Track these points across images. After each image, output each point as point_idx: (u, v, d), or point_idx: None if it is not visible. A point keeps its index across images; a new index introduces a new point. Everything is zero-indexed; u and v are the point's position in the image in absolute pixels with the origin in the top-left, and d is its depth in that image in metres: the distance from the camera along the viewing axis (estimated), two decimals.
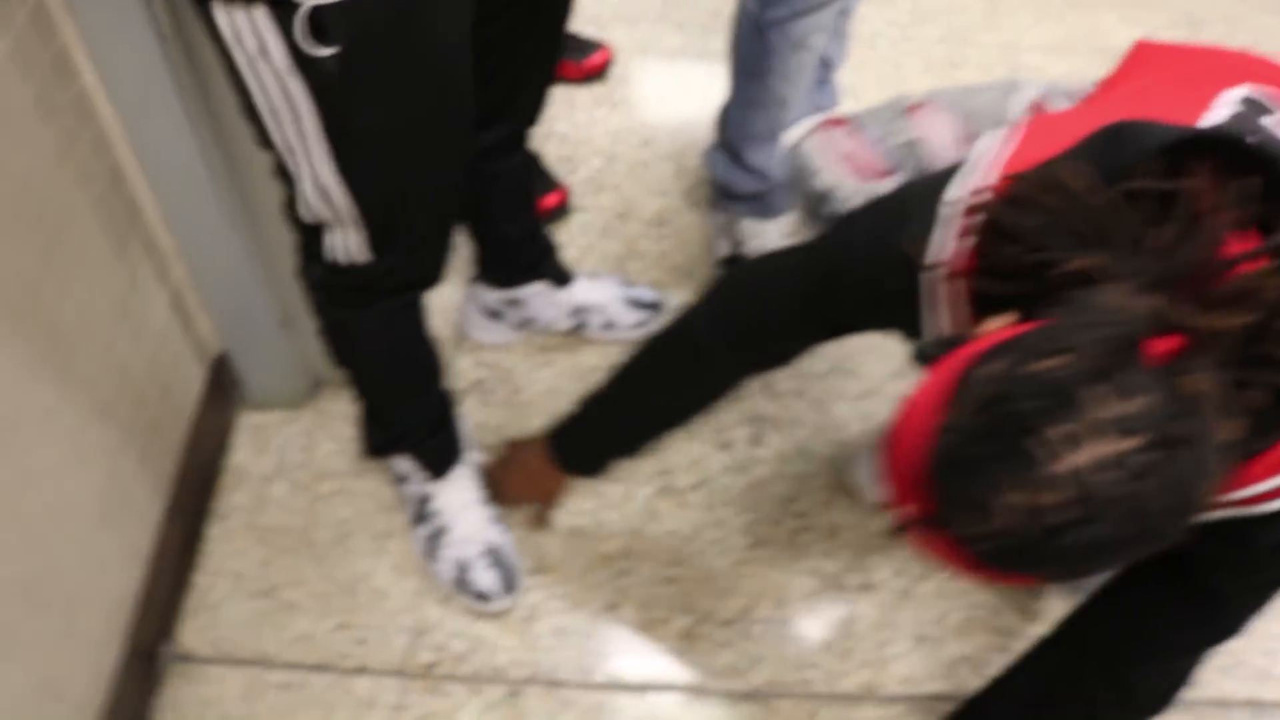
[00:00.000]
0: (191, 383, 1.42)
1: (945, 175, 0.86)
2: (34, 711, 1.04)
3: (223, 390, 1.48)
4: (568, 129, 1.90)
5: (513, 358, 1.59)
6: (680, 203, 1.80)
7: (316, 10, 0.79)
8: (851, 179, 1.14)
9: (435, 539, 1.35)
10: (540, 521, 1.39)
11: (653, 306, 1.61)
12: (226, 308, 1.37)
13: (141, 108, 1.12)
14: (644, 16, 2.12)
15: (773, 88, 1.49)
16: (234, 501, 1.43)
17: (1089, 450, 0.61)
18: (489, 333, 1.60)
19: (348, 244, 1.03)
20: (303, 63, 0.83)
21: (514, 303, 1.54)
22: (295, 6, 0.79)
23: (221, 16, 0.82)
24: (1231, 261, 0.68)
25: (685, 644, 1.33)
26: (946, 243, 0.81)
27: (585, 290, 1.58)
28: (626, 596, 1.36)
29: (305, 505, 1.43)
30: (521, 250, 1.51)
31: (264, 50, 0.83)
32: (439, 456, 1.35)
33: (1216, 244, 0.69)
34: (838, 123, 1.16)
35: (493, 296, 1.54)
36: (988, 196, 0.78)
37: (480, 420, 1.51)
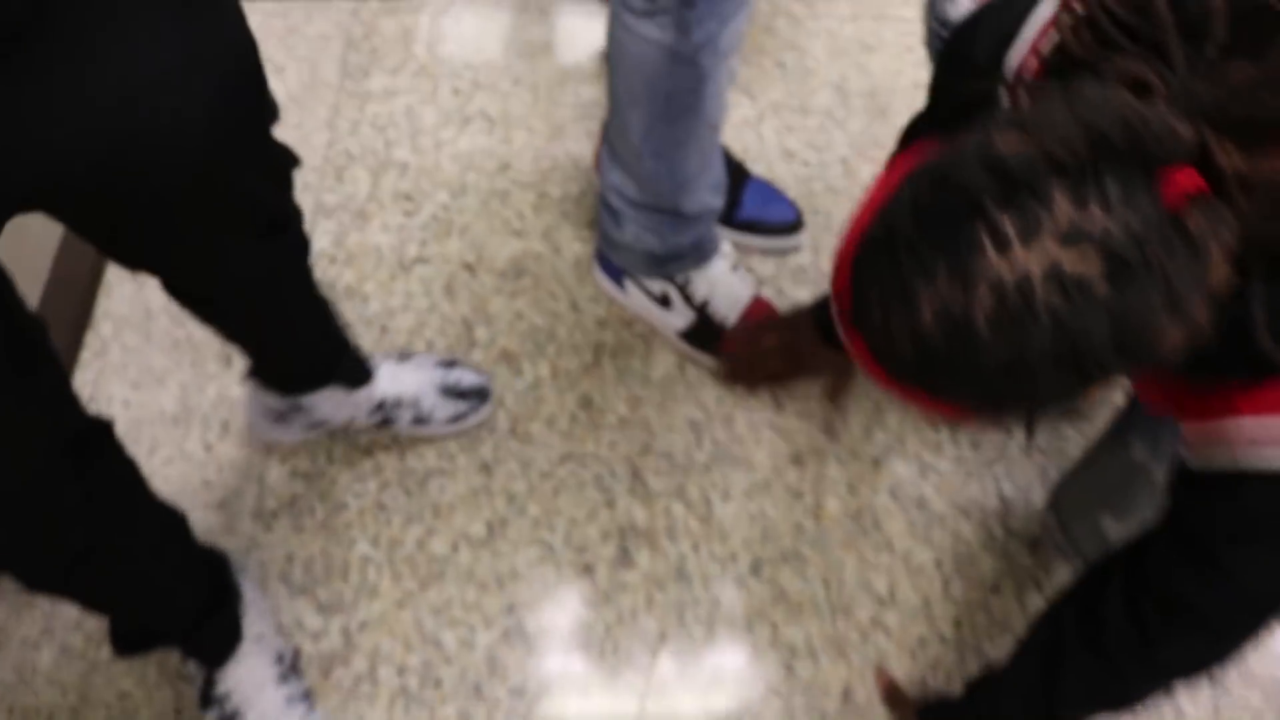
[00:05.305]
0: None
1: None
2: None
3: None
4: (408, 155, 1.61)
5: (334, 466, 1.33)
6: (541, 246, 1.52)
7: None
8: None
9: None
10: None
11: (476, 394, 1.33)
12: None
13: None
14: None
15: (708, 114, 1.21)
16: None
17: (1043, 251, 0.57)
18: (280, 433, 1.31)
19: None
20: None
21: (298, 408, 1.25)
22: None
23: None
24: None
25: None
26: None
27: (391, 380, 1.28)
28: None
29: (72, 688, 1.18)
30: (301, 361, 1.19)
31: None
32: (213, 646, 1.10)
33: None
34: None
35: (274, 400, 1.25)
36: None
37: (291, 550, 1.26)
